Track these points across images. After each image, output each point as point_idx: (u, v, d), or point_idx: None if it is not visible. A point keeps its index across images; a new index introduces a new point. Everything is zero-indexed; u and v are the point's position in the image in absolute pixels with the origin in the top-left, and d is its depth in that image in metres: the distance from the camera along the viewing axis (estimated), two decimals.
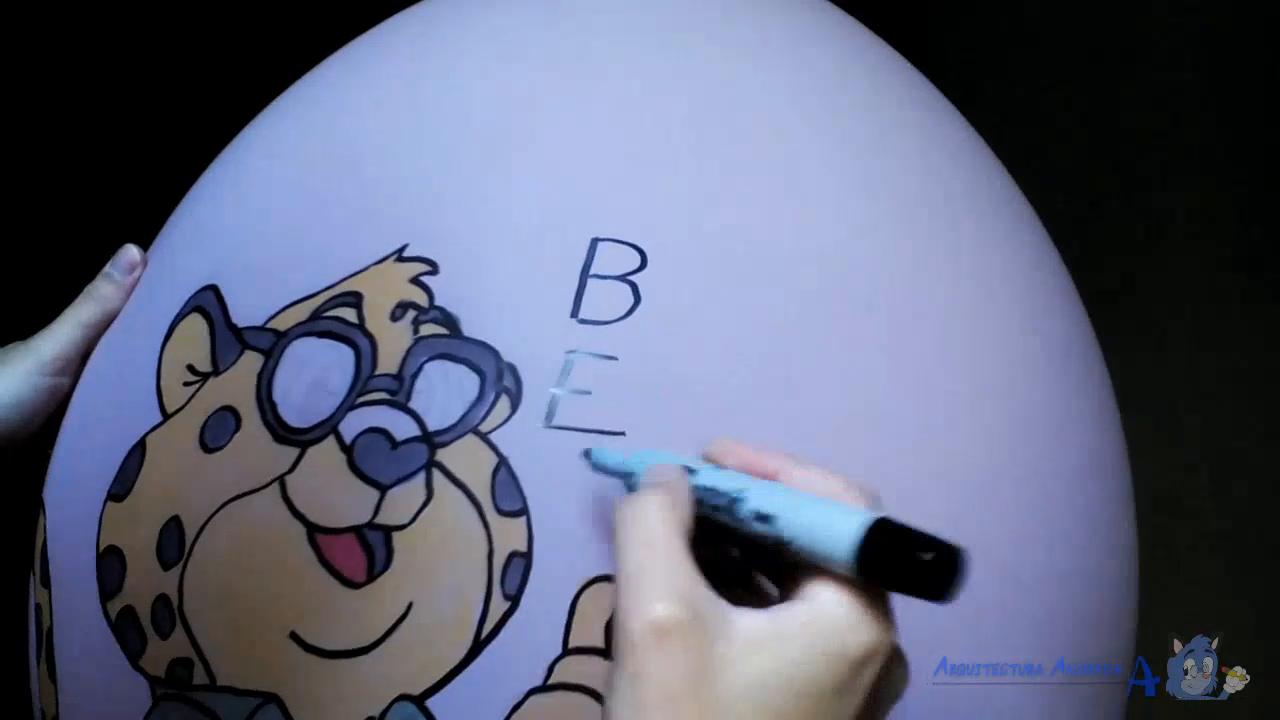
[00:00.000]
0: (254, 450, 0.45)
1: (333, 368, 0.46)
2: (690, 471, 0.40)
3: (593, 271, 0.46)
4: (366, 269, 0.47)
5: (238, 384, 0.47)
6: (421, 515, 0.43)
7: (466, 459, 0.43)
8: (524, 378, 0.44)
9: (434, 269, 0.47)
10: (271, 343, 0.47)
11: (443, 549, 0.43)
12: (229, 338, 0.48)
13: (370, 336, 0.46)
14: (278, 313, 0.48)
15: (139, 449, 0.49)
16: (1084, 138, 1.32)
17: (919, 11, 1.30)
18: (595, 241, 0.46)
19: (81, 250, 0.62)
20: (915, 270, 0.50)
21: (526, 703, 0.42)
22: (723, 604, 0.36)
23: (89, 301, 0.55)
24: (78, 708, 0.50)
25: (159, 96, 1.21)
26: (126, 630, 0.47)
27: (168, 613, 0.46)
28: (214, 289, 0.50)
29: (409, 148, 0.50)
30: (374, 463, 0.44)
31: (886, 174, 0.52)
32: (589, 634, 0.42)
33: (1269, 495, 1.24)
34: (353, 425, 0.44)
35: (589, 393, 0.44)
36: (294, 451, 0.45)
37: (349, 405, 0.45)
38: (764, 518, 0.37)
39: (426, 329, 0.45)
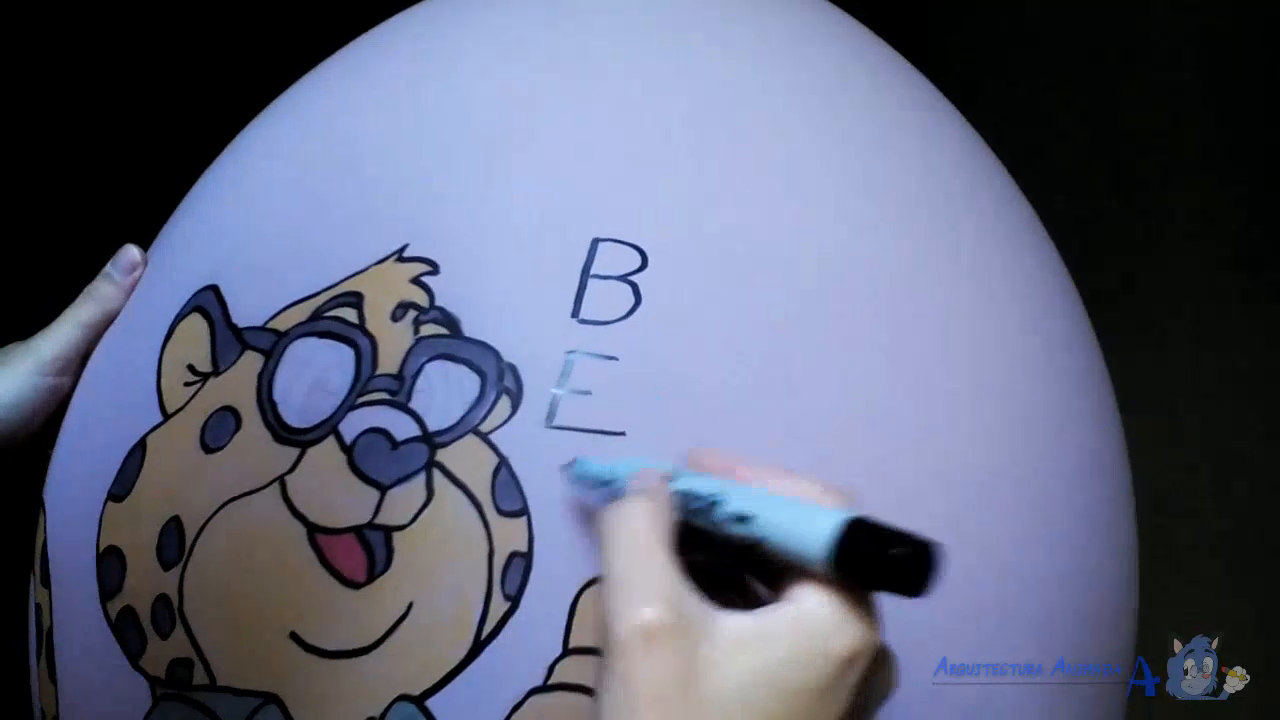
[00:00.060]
0: (254, 450, 0.45)
1: (333, 368, 0.46)
2: (671, 478, 0.40)
3: (593, 272, 0.46)
4: (367, 269, 0.47)
5: (238, 384, 0.47)
6: (422, 515, 0.43)
7: (467, 459, 0.43)
8: (524, 378, 0.44)
9: (434, 269, 0.47)
10: (272, 343, 0.47)
11: (443, 549, 0.43)
12: (229, 338, 0.48)
13: (371, 336, 0.46)
14: (278, 313, 0.48)
15: (139, 449, 0.49)
16: (1084, 138, 1.32)
17: (919, 11, 1.30)
18: (596, 241, 0.46)
19: (81, 250, 0.62)
20: (915, 270, 0.50)
21: (526, 703, 0.42)
22: (708, 606, 0.36)
23: (89, 301, 0.55)
24: (78, 708, 0.50)
25: (159, 96, 1.21)
26: (126, 630, 0.47)
27: (168, 613, 0.46)
28: (214, 289, 0.50)
29: (409, 148, 0.50)
30: (374, 463, 0.44)
31: (886, 174, 0.52)
32: (589, 634, 0.42)
33: (1269, 495, 1.24)
34: (353, 425, 0.44)
35: (589, 393, 0.44)
36: (294, 451, 0.45)
37: (349, 405, 0.45)
38: (742, 519, 0.37)
39: (427, 329, 0.45)
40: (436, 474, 0.43)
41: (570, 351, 0.45)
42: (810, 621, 0.36)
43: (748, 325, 0.46)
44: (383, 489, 0.43)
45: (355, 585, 0.43)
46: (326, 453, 0.44)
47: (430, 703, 0.42)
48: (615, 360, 0.44)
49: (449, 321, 0.45)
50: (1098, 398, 0.56)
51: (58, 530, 0.52)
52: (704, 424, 0.44)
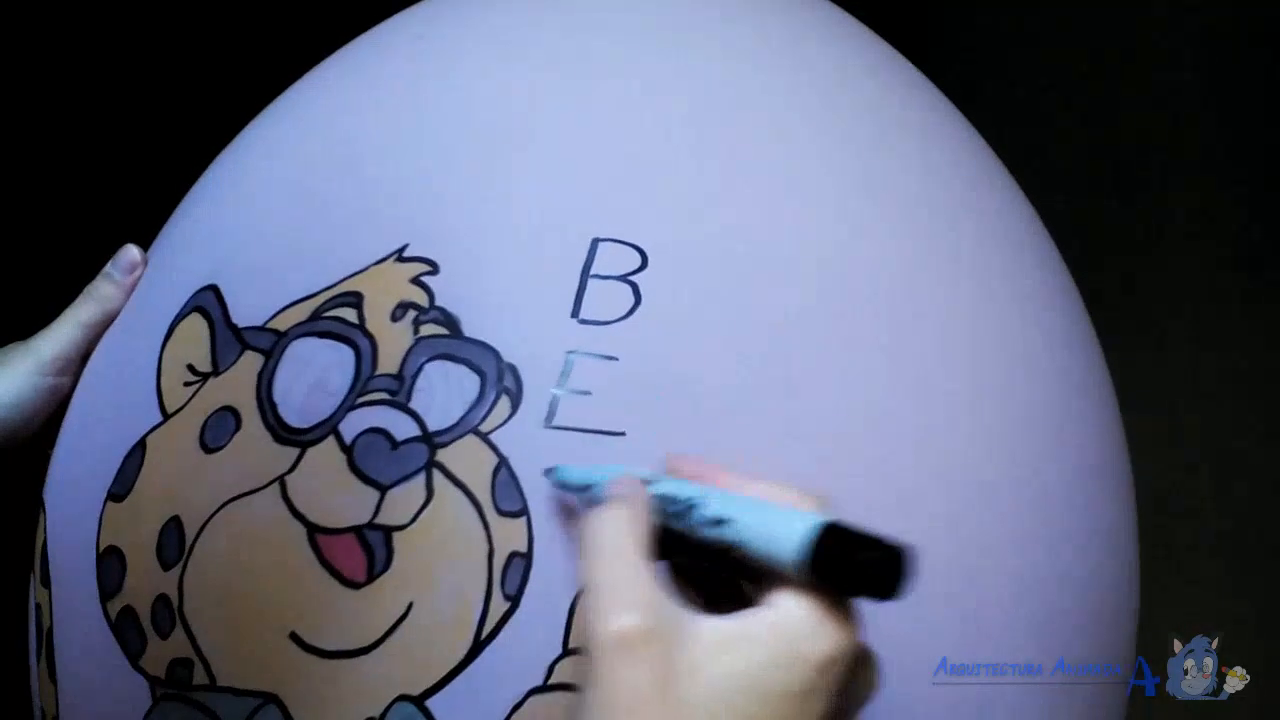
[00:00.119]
0: (254, 450, 0.45)
1: (333, 368, 0.46)
2: (649, 482, 0.40)
3: (593, 272, 0.46)
4: (367, 269, 0.47)
5: (238, 384, 0.47)
6: (422, 515, 0.43)
7: (467, 459, 0.43)
8: (524, 378, 0.44)
9: (434, 269, 0.47)
10: (272, 343, 0.47)
11: (443, 549, 0.43)
12: (229, 338, 0.48)
13: (370, 336, 0.46)
14: (278, 313, 0.48)
15: (139, 449, 0.49)
16: (1084, 138, 1.33)
17: (919, 11, 1.30)
18: (596, 241, 0.46)
19: (81, 250, 0.62)
20: (915, 270, 0.50)
21: (526, 703, 0.42)
22: (687, 611, 0.37)
23: (89, 301, 0.55)
24: (78, 708, 0.50)
25: (159, 96, 1.21)
26: (126, 630, 0.47)
27: (168, 613, 0.46)
28: (214, 289, 0.50)
29: (409, 148, 0.50)
30: (374, 463, 0.44)
31: (886, 174, 0.52)
32: None
33: (1269, 495, 1.24)
34: (353, 425, 0.44)
35: (589, 393, 0.44)
36: (294, 452, 0.45)
37: (349, 405, 0.45)
38: (719, 522, 0.38)
39: (427, 329, 0.45)
40: (436, 474, 0.43)
41: (570, 351, 0.45)
42: (788, 625, 0.36)
43: (748, 325, 0.46)
44: (383, 489, 0.43)
45: (355, 585, 0.43)
46: (326, 453, 0.44)
47: (430, 703, 0.42)
48: (615, 360, 0.44)
49: (449, 321, 0.45)
50: (1098, 398, 0.56)
51: (58, 530, 0.52)
52: (704, 424, 0.44)
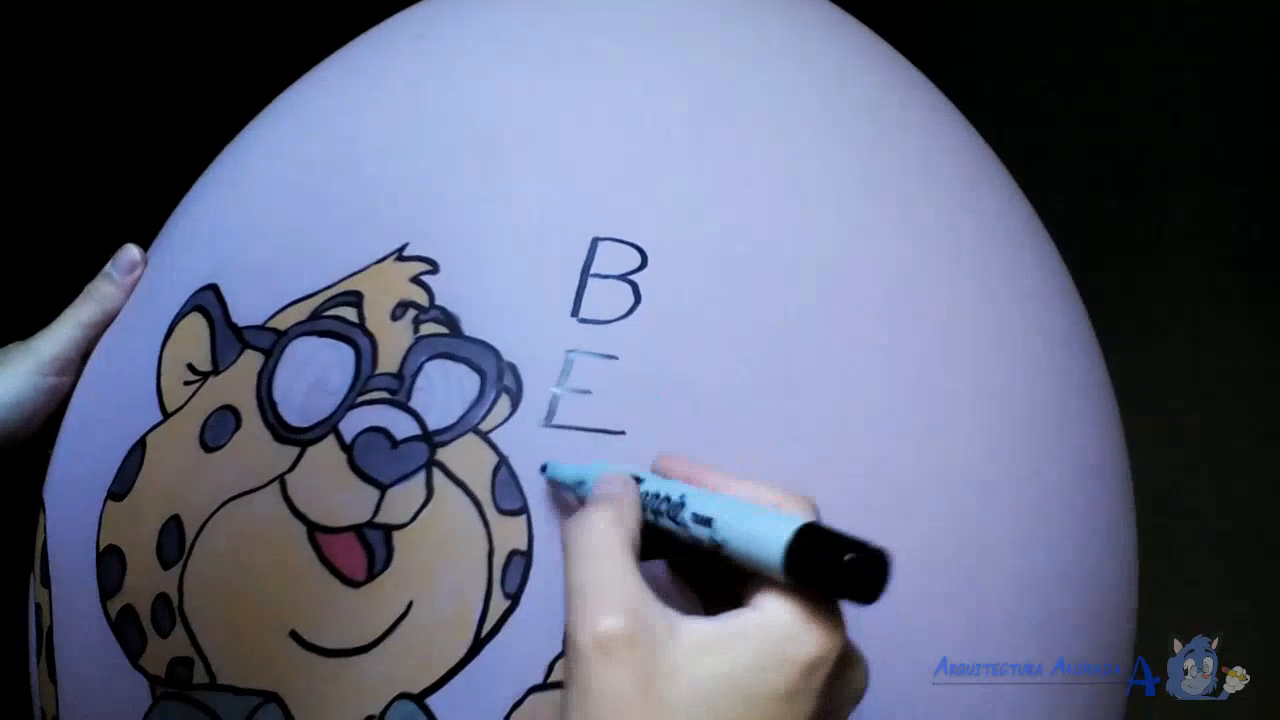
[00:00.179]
0: (254, 449, 0.45)
1: (333, 367, 0.46)
2: (639, 480, 0.41)
3: (593, 271, 0.46)
4: (367, 268, 0.47)
5: (238, 383, 0.47)
6: (422, 514, 0.43)
7: (467, 458, 0.43)
8: (524, 377, 0.44)
9: (434, 268, 0.47)
10: (272, 342, 0.47)
11: (443, 548, 0.43)
12: (229, 337, 0.48)
13: (370, 336, 0.46)
14: (278, 312, 0.48)
15: (139, 448, 0.49)
16: (1084, 138, 1.33)
17: (919, 11, 1.30)
18: (595, 241, 0.46)
19: (81, 250, 0.62)
20: (915, 270, 0.50)
21: (526, 701, 0.42)
22: (670, 613, 0.37)
23: (89, 301, 0.55)
24: (78, 707, 0.50)
25: (159, 96, 1.21)
26: (126, 629, 0.47)
27: (168, 612, 0.46)
28: (214, 288, 0.50)
29: (409, 148, 0.50)
30: (374, 462, 0.44)
31: (886, 174, 0.52)
32: None
33: (1269, 495, 1.24)
34: (353, 424, 0.44)
35: (589, 392, 0.44)
36: (294, 451, 0.45)
37: (349, 404, 0.45)
38: (703, 520, 0.38)
39: (427, 328, 0.45)
40: (436, 473, 0.43)
41: (570, 350, 0.45)
42: (773, 627, 0.36)
43: (748, 325, 0.46)
44: (383, 488, 0.43)
45: (355, 584, 0.43)
46: (326, 452, 0.44)
47: (430, 701, 0.42)
48: (615, 359, 0.44)
49: (449, 320, 0.45)
50: (1098, 398, 0.56)
51: (58, 530, 0.52)
52: (703, 423, 0.44)
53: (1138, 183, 1.31)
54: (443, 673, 0.42)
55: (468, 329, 0.45)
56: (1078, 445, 0.53)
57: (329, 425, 0.45)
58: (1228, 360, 1.26)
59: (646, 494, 0.40)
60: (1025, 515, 0.49)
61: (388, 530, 0.43)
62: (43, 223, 1.16)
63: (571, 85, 0.51)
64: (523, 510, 0.43)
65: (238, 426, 0.46)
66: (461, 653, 0.42)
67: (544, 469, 0.43)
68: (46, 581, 0.52)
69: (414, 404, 0.44)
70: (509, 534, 0.43)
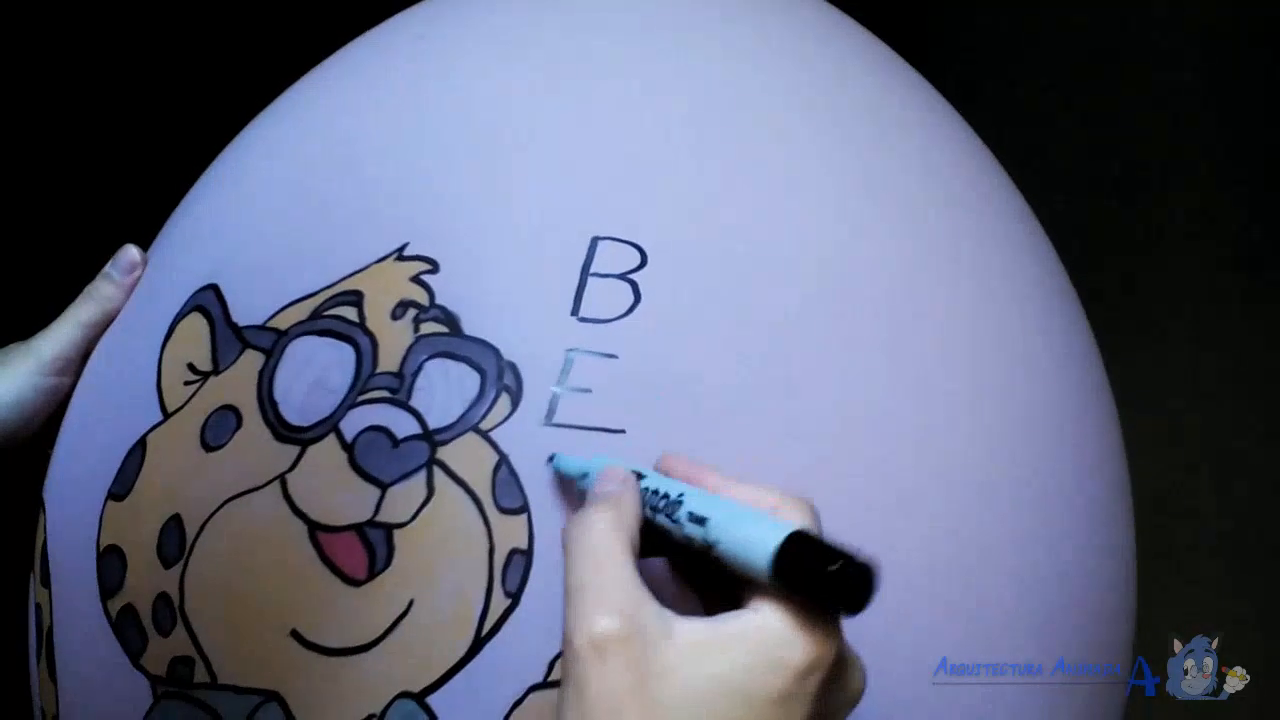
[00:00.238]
0: (255, 449, 0.45)
1: (333, 366, 0.46)
2: (640, 476, 0.41)
3: (593, 270, 0.46)
4: (367, 268, 0.47)
5: (238, 383, 0.47)
6: (422, 513, 0.43)
7: (467, 457, 0.43)
8: (524, 376, 0.44)
9: (434, 267, 0.47)
10: (272, 341, 0.47)
11: (443, 547, 0.43)
12: (229, 337, 0.48)
13: (371, 335, 0.46)
14: (278, 311, 0.48)
15: (139, 448, 0.49)
16: (1084, 138, 1.33)
17: (919, 11, 1.30)
18: (595, 240, 0.46)
19: (81, 250, 0.62)
20: (915, 270, 0.50)
21: (527, 700, 0.42)
22: (666, 614, 0.37)
23: (89, 301, 0.55)
24: (78, 707, 0.50)
25: (159, 96, 1.21)
26: (127, 629, 0.47)
27: (168, 611, 0.46)
28: (214, 288, 0.50)
29: (409, 148, 0.50)
30: (375, 461, 0.44)
31: (886, 174, 0.52)
32: None
33: (1269, 495, 1.24)
34: (353, 423, 0.44)
35: (589, 391, 0.44)
36: (295, 450, 0.45)
37: (350, 404, 0.45)
38: (698, 520, 0.38)
39: (427, 327, 0.45)
40: (437, 471, 0.43)
41: (570, 349, 0.45)
42: (768, 631, 0.36)
43: (748, 324, 0.46)
44: (383, 487, 0.43)
45: (356, 583, 0.43)
46: (327, 451, 0.44)
47: (431, 700, 0.42)
48: (615, 358, 0.45)
49: (449, 319, 0.45)
50: (1097, 398, 0.56)
51: (58, 530, 0.52)
52: (703, 422, 0.44)
53: (1138, 183, 1.31)
54: (443, 671, 0.42)
55: (468, 328, 0.45)
56: (1078, 445, 0.53)
57: (329, 424, 0.45)
58: (1228, 360, 1.26)
59: (646, 490, 0.40)
60: (1025, 515, 0.49)
61: (388, 529, 0.43)
62: (43, 223, 1.16)
63: (571, 85, 0.51)
64: (523, 509, 0.43)
65: (238, 426, 0.46)
66: (462, 651, 0.42)
67: (551, 459, 0.43)
68: (46, 581, 0.52)
69: (414, 403, 0.44)
70: (509, 533, 0.43)
